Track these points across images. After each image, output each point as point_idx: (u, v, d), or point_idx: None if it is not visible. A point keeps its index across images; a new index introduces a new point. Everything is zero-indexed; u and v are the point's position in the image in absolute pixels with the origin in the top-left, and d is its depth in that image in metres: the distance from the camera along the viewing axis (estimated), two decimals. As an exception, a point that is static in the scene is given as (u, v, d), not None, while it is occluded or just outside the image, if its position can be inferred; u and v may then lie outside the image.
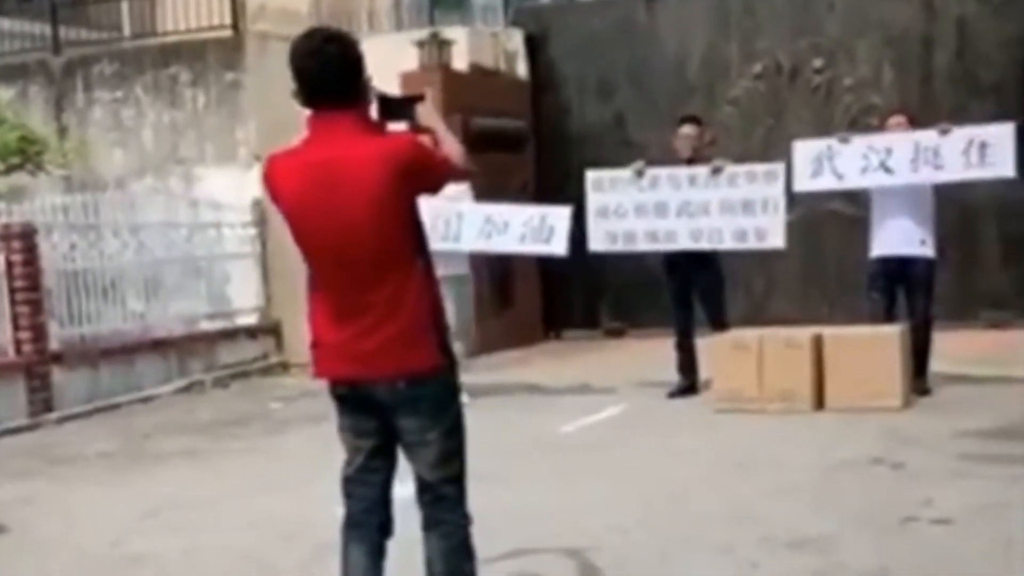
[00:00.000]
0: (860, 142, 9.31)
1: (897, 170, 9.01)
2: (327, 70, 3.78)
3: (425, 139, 4.00)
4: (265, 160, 3.98)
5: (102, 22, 15.58)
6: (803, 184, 9.48)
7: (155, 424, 10.21)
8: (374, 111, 3.96)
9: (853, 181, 9.34)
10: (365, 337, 3.83)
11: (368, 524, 4.07)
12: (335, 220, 3.76)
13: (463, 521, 4.03)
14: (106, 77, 14.07)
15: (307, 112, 3.87)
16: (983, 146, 8.92)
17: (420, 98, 4.08)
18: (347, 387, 3.97)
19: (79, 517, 7.05)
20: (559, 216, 9.95)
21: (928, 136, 9.02)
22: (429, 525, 4.02)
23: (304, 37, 3.87)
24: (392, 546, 4.13)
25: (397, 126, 4.02)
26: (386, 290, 3.82)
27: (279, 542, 6.08)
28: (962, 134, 9.03)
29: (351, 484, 4.08)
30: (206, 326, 12.98)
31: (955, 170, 8.98)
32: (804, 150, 9.53)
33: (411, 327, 3.84)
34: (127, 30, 15.92)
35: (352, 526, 4.09)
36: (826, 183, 9.50)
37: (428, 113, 4.06)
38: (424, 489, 4.00)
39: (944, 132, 9.00)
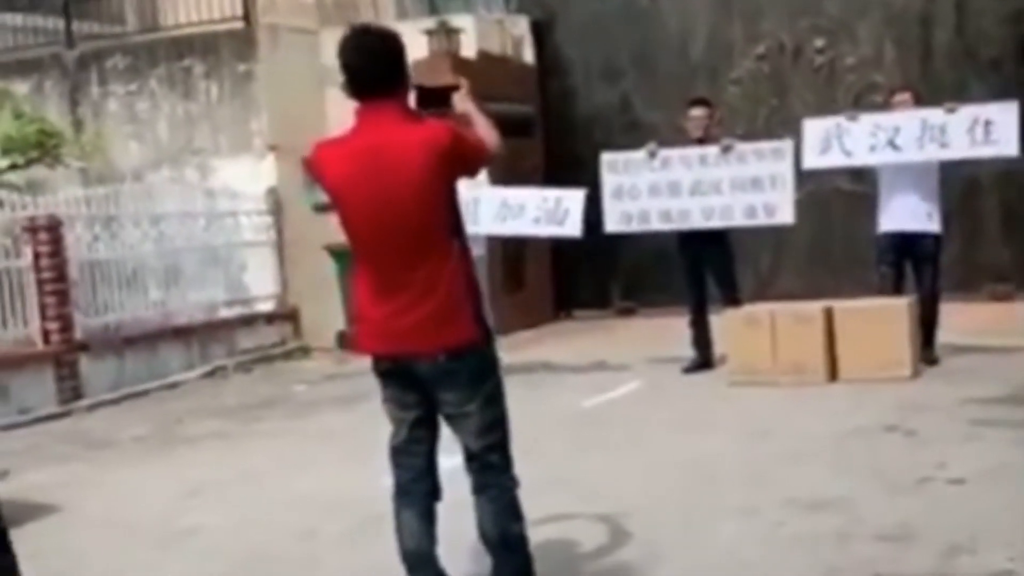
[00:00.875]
0: (868, 120, 9.55)
1: (904, 147, 9.27)
2: (372, 63, 4.07)
3: (462, 126, 4.28)
4: (312, 148, 4.25)
5: (110, 15, 15.80)
6: (812, 161, 9.74)
7: (184, 409, 10.48)
8: (412, 100, 4.23)
9: (861, 158, 9.59)
10: (406, 312, 4.09)
11: (417, 491, 4.32)
12: (379, 202, 4.04)
13: (510, 484, 4.29)
14: (120, 70, 14.28)
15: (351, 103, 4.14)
16: (988, 124, 9.18)
17: (456, 87, 4.39)
18: (389, 362, 4.22)
19: (124, 496, 7.33)
20: (574, 198, 10.23)
21: (934, 114, 9.28)
22: (478, 489, 4.28)
23: (351, 34, 4.15)
24: (442, 509, 4.38)
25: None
26: (425, 268, 4.08)
27: (323, 515, 6.34)
28: (967, 112, 9.28)
29: (398, 454, 4.32)
30: (225, 313, 13.23)
31: (960, 148, 9.24)
32: (813, 128, 9.79)
33: (449, 302, 4.10)
34: (131, 24, 16.17)
35: (403, 493, 4.34)
36: (835, 160, 9.76)
37: (464, 101, 4.37)
38: (471, 458, 4.25)
39: (950, 110, 9.26)
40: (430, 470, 4.34)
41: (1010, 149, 9.23)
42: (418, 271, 4.08)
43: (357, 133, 4.12)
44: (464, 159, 4.16)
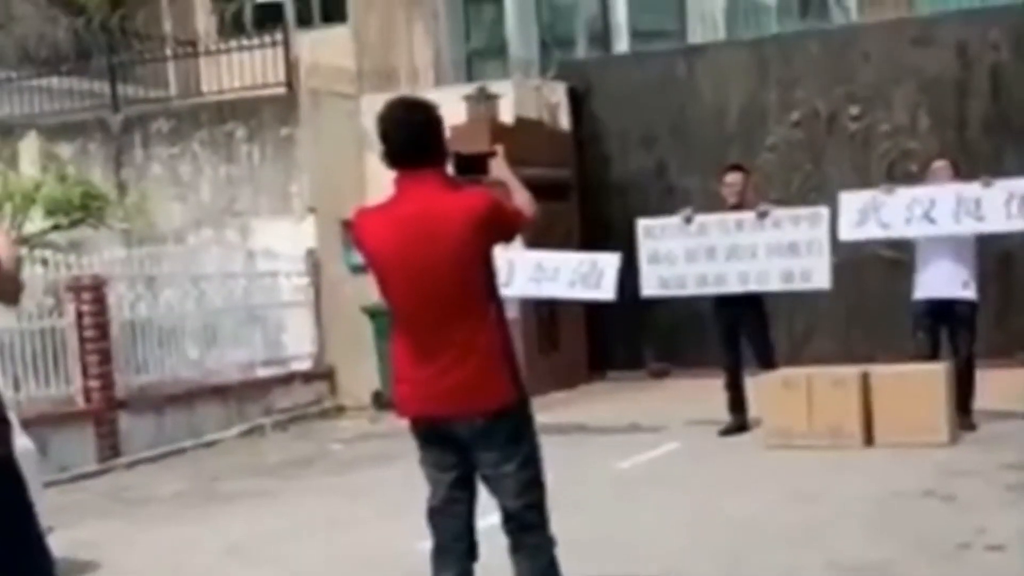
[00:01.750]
0: (904, 193, 9.62)
1: (940, 220, 9.33)
2: (412, 135, 4.20)
3: (498, 191, 4.38)
4: (354, 214, 4.37)
5: (155, 80, 16.12)
6: (849, 233, 9.82)
7: (222, 466, 10.57)
8: (450, 167, 4.35)
9: (898, 231, 9.65)
10: (444, 375, 4.18)
11: (455, 551, 4.38)
12: (419, 268, 4.14)
13: (548, 543, 4.34)
14: (163, 133, 14.53)
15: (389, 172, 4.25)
16: None
17: (493, 153, 4.52)
18: (427, 424, 4.30)
19: (164, 554, 7.40)
20: (608, 263, 10.34)
21: (970, 188, 9.34)
22: (516, 548, 4.33)
23: (389, 106, 4.28)
24: (479, 569, 4.43)
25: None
26: (463, 331, 4.18)
27: (362, 573, 6.39)
28: (1003, 186, 9.35)
29: (436, 515, 4.38)
30: (263, 372, 13.34)
31: (997, 222, 9.30)
32: (850, 201, 9.87)
33: (486, 365, 4.19)
34: (174, 88, 16.50)
35: (441, 553, 4.39)
36: (871, 232, 9.82)
37: (500, 167, 4.49)
38: (508, 518, 4.31)
39: (986, 184, 9.32)
40: (468, 530, 4.39)
41: None
42: (456, 335, 4.17)
43: (397, 201, 4.23)
44: (502, 226, 4.27)
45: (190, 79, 16.35)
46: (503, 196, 4.37)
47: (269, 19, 16.54)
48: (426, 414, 4.28)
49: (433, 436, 4.31)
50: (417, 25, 17.69)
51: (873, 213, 9.67)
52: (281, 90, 14.11)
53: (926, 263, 9.46)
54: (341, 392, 13.70)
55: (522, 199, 4.40)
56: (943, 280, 9.35)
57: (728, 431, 10.01)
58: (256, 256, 13.73)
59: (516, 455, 4.23)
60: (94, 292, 11.16)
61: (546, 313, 13.59)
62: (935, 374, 9.00)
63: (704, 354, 11.41)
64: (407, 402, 4.33)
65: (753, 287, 10.07)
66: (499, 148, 4.57)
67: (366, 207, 4.41)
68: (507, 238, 4.44)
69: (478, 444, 4.22)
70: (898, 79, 13.77)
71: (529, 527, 4.29)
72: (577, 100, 15.18)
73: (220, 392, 12.48)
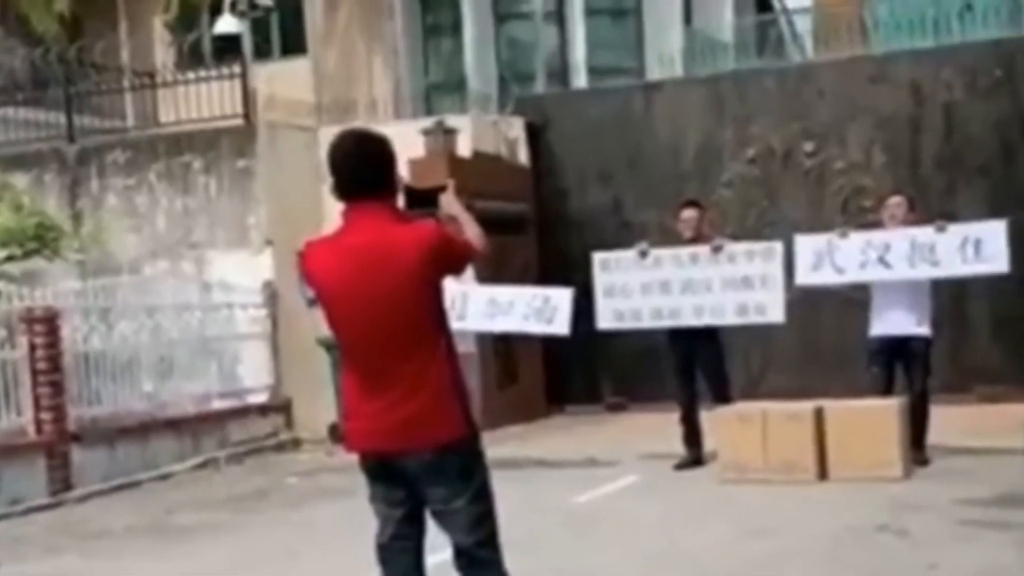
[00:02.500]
0: (858, 237, 9.74)
1: (895, 265, 9.44)
2: (363, 167, 4.17)
3: (449, 225, 4.38)
4: (303, 246, 4.33)
5: (111, 111, 16.06)
6: (805, 278, 9.93)
7: (176, 500, 10.47)
8: (400, 200, 4.33)
9: (853, 275, 9.75)
10: (393, 409, 4.12)
11: None
12: (367, 300, 4.10)
13: None
14: (120, 164, 14.46)
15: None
16: (978, 243, 9.38)
17: (443, 188, 4.52)
18: (376, 459, 4.24)
19: (117, 587, 7.32)
20: (562, 297, 10.38)
21: (924, 233, 9.46)
22: None
23: (340, 138, 4.25)
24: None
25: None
26: (413, 365, 4.13)
27: (317, 607, 6.34)
28: (957, 231, 9.49)
29: (386, 551, 4.32)
30: (218, 404, 13.25)
31: (951, 266, 9.43)
32: (805, 245, 9.97)
33: (436, 399, 4.14)
34: (131, 119, 16.44)
35: None
36: (826, 277, 9.92)
37: (450, 202, 4.51)
38: (460, 554, 4.24)
39: (940, 229, 9.44)
40: (417, 567, 4.34)
41: (1000, 266, 9.41)
42: (405, 368, 4.12)
43: (346, 232, 4.19)
44: (451, 259, 4.24)
45: (147, 110, 16.29)
46: (454, 230, 4.36)
47: (228, 51, 16.52)
48: (375, 448, 4.21)
49: (382, 472, 4.24)
50: (376, 58, 17.74)
51: (828, 257, 9.77)
52: (239, 122, 14.10)
53: (881, 300, 9.54)
54: (298, 425, 13.63)
55: (472, 233, 4.38)
56: (898, 317, 9.43)
57: (683, 465, 10.03)
58: (212, 288, 13.66)
59: (466, 490, 4.17)
60: (47, 324, 11.05)
61: (504, 347, 13.59)
62: (889, 409, 9.06)
63: (662, 388, 11.44)
64: (355, 437, 4.28)
65: (708, 320, 10.12)
66: (449, 183, 4.63)
67: (314, 239, 4.37)
68: (456, 271, 4.40)
69: (427, 479, 4.16)
70: (853, 116, 13.93)
71: (481, 563, 4.23)
72: (535, 135, 15.26)
73: (175, 425, 12.37)
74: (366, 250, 4.09)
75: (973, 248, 9.38)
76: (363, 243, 4.10)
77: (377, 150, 4.21)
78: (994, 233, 9.45)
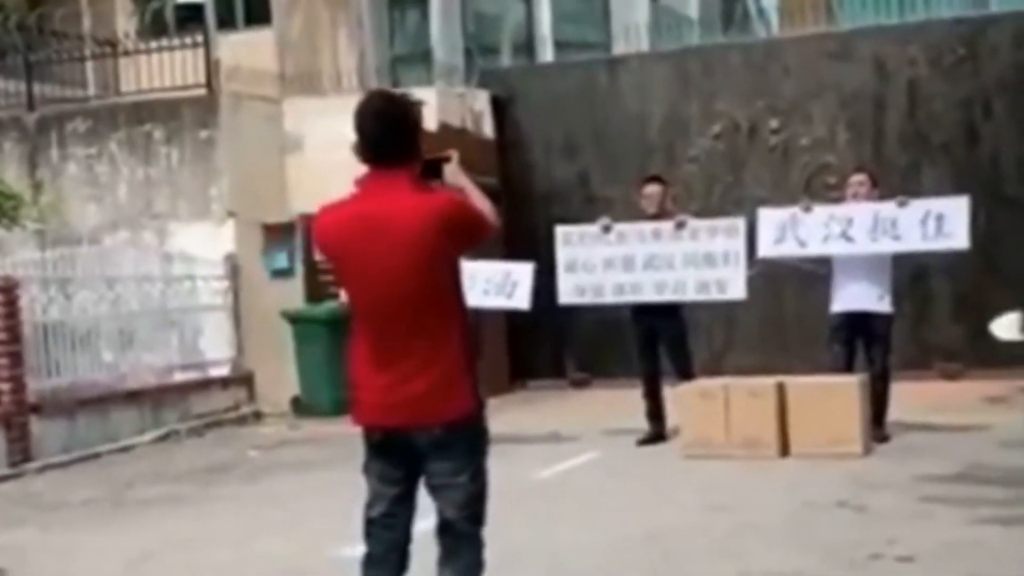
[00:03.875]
0: (822, 211, 9.79)
1: (857, 239, 9.49)
2: (391, 131, 4.06)
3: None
4: (317, 211, 4.23)
5: (72, 80, 15.87)
6: (767, 250, 9.96)
7: (136, 472, 10.40)
8: None
9: (815, 248, 9.79)
10: (404, 383, 4.06)
11: (388, 563, 4.27)
12: (382, 268, 4.02)
13: (479, 559, 4.25)
14: (80, 134, 14.30)
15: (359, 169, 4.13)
16: (939, 218, 9.44)
17: (447, 158, 4.29)
18: (383, 434, 4.17)
19: (76, 560, 7.27)
20: (522, 272, 10.37)
21: (887, 208, 9.51)
22: (446, 560, 4.23)
23: (370, 99, 4.16)
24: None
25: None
26: (426, 337, 4.06)
27: (278, 581, 6.32)
28: (919, 206, 9.54)
29: (373, 526, 4.25)
30: (179, 377, 13.18)
31: (912, 241, 9.48)
32: (768, 218, 10.00)
33: (449, 374, 4.08)
34: (92, 88, 16.25)
35: (372, 564, 4.29)
36: (789, 250, 9.96)
37: (455, 172, 4.27)
38: (446, 527, 4.20)
39: (902, 204, 9.49)
40: (404, 543, 4.28)
41: (961, 242, 9.47)
42: (419, 341, 4.06)
43: (363, 198, 4.10)
44: (468, 230, 4.13)
45: (109, 79, 16.12)
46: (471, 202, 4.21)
47: (191, 20, 16.36)
48: (383, 424, 4.15)
49: (385, 447, 4.17)
50: (341, 29, 17.60)
51: (791, 230, 9.81)
52: (201, 92, 13.97)
53: (843, 277, 9.58)
54: (260, 398, 13.58)
55: (482, 205, 4.22)
56: (859, 294, 9.47)
57: (646, 440, 10.06)
58: (173, 259, 13.56)
59: (470, 467, 4.14)
60: (6, 294, 10.94)
61: (469, 322, 13.54)
62: (850, 386, 9.11)
63: (626, 363, 11.45)
64: (364, 410, 4.20)
65: (670, 296, 10.14)
66: (454, 153, 4.33)
67: (329, 204, 4.24)
68: (472, 244, 4.24)
69: (434, 454, 4.10)
70: (817, 93, 13.94)
71: (466, 538, 4.20)
72: (500, 108, 15.19)
73: (135, 397, 12.30)
74: (383, 218, 4.00)
75: (935, 223, 9.43)
76: (380, 210, 4.01)
77: (406, 114, 4.11)
78: (956, 209, 9.50)
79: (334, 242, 4.16)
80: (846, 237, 9.53)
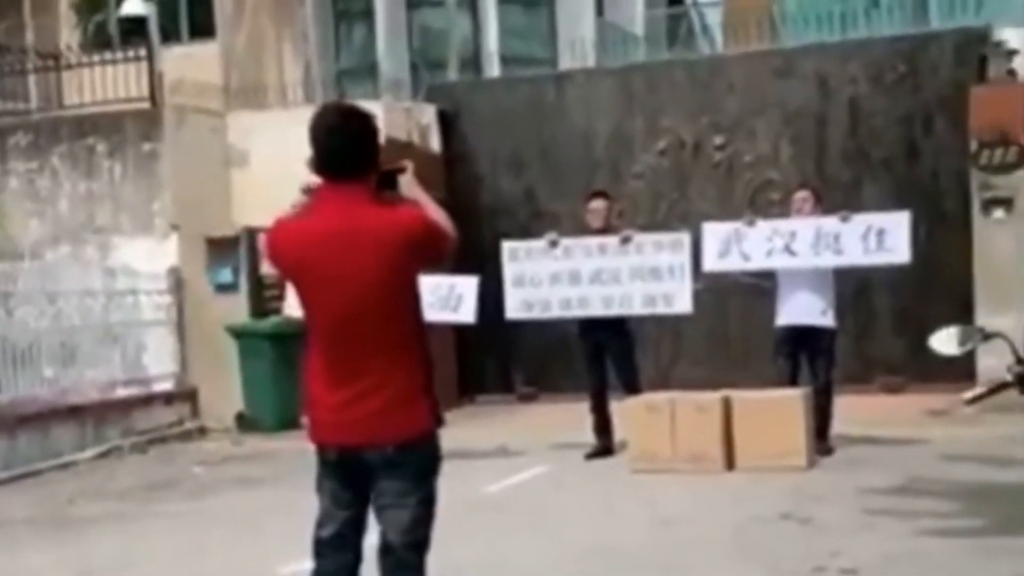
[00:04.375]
0: (766, 226, 9.89)
1: (800, 253, 9.60)
2: (348, 144, 4.00)
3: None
4: (272, 225, 4.16)
5: (14, 93, 15.71)
6: (712, 264, 10.05)
7: (77, 489, 10.27)
8: None
9: (759, 262, 9.89)
10: (360, 401, 4.00)
11: None
12: (347, 285, 3.96)
13: None
14: (22, 147, 14.14)
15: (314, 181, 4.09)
16: (881, 233, 9.57)
17: (402, 169, 4.21)
18: (337, 452, 4.10)
19: (15, 579, 7.17)
20: (467, 286, 10.37)
21: (829, 222, 9.63)
22: None
23: (326, 112, 4.11)
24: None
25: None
26: (384, 355, 4.01)
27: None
28: (861, 221, 9.68)
29: (323, 546, 4.19)
30: (122, 392, 13.03)
31: (854, 255, 9.62)
32: (713, 232, 10.08)
33: (406, 392, 4.04)
34: (35, 101, 16.09)
35: None
36: (733, 264, 10.07)
37: (411, 184, 4.19)
38: (387, 550, 4.12)
39: (844, 219, 9.62)
40: (354, 564, 4.21)
41: (902, 257, 9.62)
42: (378, 358, 4.00)
43: (322, 213, 4.04)
44: (434, 248, 4.08)
45: (51, 92, 15.96)
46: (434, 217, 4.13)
47: (135, 34, 16.24)
48: (338, 442, 4.08)
49: (338, 466, 4.11)
50: (286, 43, 17.57)
51: (736, 244, 9.89)
52: (145, 105, 13.87)
53: (787, 291, 9.66)
54: (204, 413, 13.46)
55: (442, 219, 4.14)
56: (803, 308, 9.56)
57: (594, 454, 10.07)
58: (116, 273, 13.43)
59: (420, 489, 4.07)
60: (-55, 309, 10.80)
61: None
62: (794, 399, 9.18)
63: (573, 377, 11.47)
64: (318, 428, 4.14)
65: (617, 311, 10.18)
66: (409, 164, 4.25)
67: (285, 218, 4.20)
68: (436, 261, 4.22)
69: (385, 473, 4.04)
70: (761, 110, 14.06)
71: (407, 566, 4.12)
72: (447, 123, 15.19)
73: (77, 412, 12.14)
74: (345, 233, 3.94)
75: (876, 238, 9.55)
76: (346, 227, 3.95)
77: (361, 126, 4.04)
78: (897, 224, 9.63)
79: (294, 257, 4.09)
80: (789, 251, 9.62)
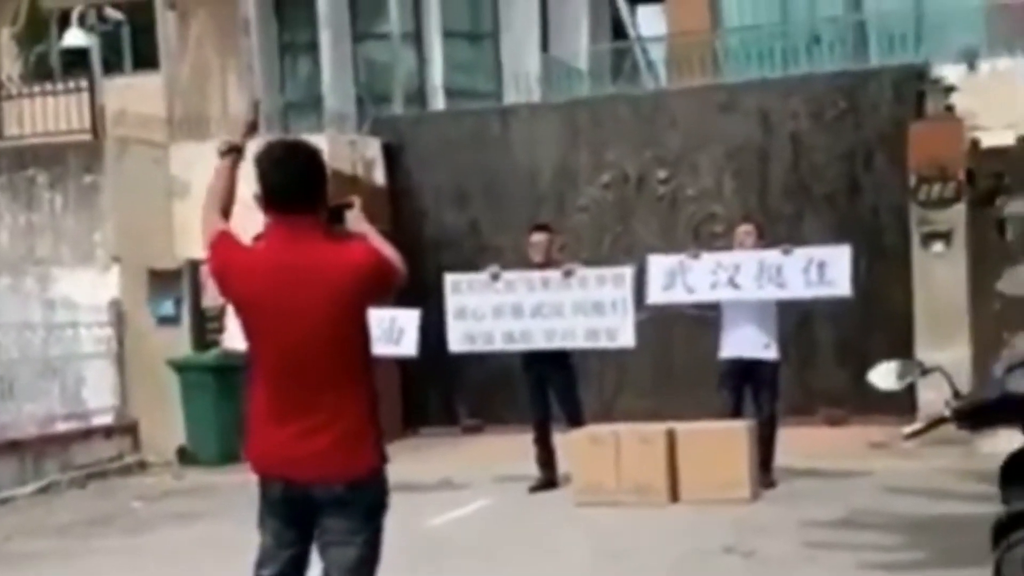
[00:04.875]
0: (709, 259, 9.97)
1: (744, 286, 9.67)
2: (295, 179, 3.97)
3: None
4: (219, 252, 4.07)
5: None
6: (656, 296, 10.11)
7: (15, 525, 10.12)
8: None
9: (703, 295, 9.95)
10: (307, 438, 3.95)
11: None
12: (298, 320, 3.92)
13: None
14: (-40, 178, 13.99)
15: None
16: (822, 266, 9.67)
17: (350, 204, 4.20)
18: (282, 487, 4.03)
19: (-51, 618, 7.03)
20: (408, 319, 10.36)
21: (772, 255, 9.72)
22: None
23: (272, 147, 4.05)
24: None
25: None
26: (333, 392, 3.96)
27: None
28: (803, 254, 9.78)
29: None
30: (61, 426, 12.87)
31: (796, 288, 9.70)
32: (657, 264, 10.14)
33: (354, 429, 3.98)
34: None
35: None
36: (678, 296, 10.12)
37: (358, 219, 4.17)
38: None
39: (786, 252, 9.72)
40: None
41: (843, 290, 9.72)
42: (327, 394, 3.96)
43: (272, 247, 4.01)
44: (383, 285, 4.06)
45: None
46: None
47: (77, 65, 16.11)
48: (282, 475, 4.01)
49: (282, 503, 4.03)
50: (231, 75, 17.52)
51: (680, 277, 9.95)
52: (86, 137, 13.77)
53: (731, 323, 9.73)
54: (144, 447, 13.31)
55: (390, 253, 4.09)
56: (747, 340, 9.62)
57: (538, 487, 10.06)
58: (56, 306, 13.28)
59: (366, 530, 4.00)
60: None
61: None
62: (738, 431, 9.23)
63: (517, 410, 11.46)
64: (262, 461, 4.07)
65: (559, 344, 10.19)
66: (356, 200, 4.23)
67: (230, 247, 4.09)
68: (386, 296, 4.22)
69: (332, 511, 3.97)
70: (704, 144, 14.15)
71: None
72: (392, 156, 15.18)
73: (15, 447, 11.98)
74: (301, 269, 3.90)
75: (817, 271, 9.65)
76: (298, 262, 3.91)
77: (307, 161, 4.02)
78: (838, 257, 9.74)
79: (244, 288, 4.04)
80: (733, 284, 9.70)
